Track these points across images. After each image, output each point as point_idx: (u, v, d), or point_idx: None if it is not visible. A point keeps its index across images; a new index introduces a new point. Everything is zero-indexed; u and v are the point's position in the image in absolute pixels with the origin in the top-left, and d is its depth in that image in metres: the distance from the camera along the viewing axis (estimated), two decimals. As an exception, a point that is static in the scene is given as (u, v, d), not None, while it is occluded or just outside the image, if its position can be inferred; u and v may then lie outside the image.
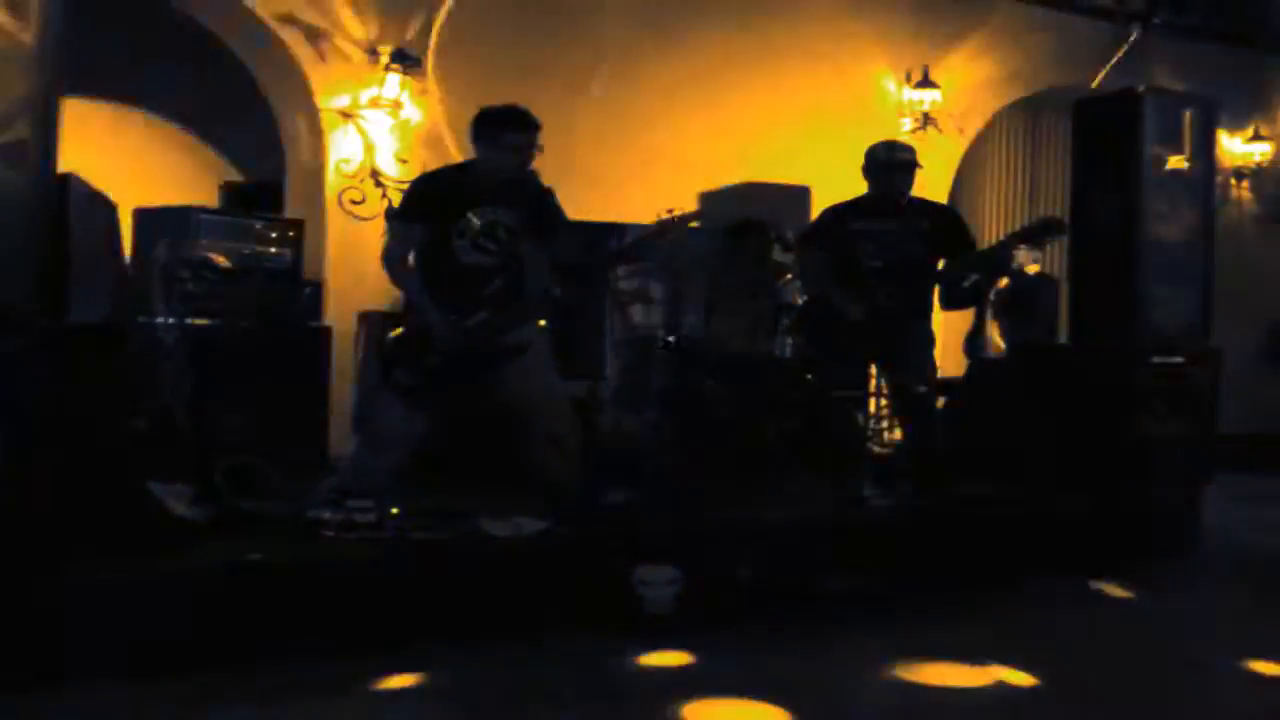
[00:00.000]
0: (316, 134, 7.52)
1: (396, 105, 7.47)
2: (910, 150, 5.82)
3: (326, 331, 6.47)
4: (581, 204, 5.87)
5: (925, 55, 9.17)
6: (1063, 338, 7.94)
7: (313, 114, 7.48)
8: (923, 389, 5.94)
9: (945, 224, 5.91)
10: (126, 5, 7.81)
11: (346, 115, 7.45)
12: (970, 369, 7.81)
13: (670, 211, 5.28)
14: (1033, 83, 9.88)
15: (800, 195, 8.41)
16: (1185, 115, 6.85)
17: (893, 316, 5.66)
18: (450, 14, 7.68)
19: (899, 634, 4.71)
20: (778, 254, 7.33)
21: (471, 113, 5.03)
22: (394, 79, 7.40)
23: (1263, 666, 4.34)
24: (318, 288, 6.57)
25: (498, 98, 5.08)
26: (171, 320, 5.62)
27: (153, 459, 4.81)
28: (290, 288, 6.38)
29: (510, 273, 5.02)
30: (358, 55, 7.45)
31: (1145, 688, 4.12)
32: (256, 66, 7.84)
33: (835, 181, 7.93)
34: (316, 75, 7.39)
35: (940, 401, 6.47)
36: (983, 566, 5.52)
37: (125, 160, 8.68)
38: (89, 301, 4.78)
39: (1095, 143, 6.91)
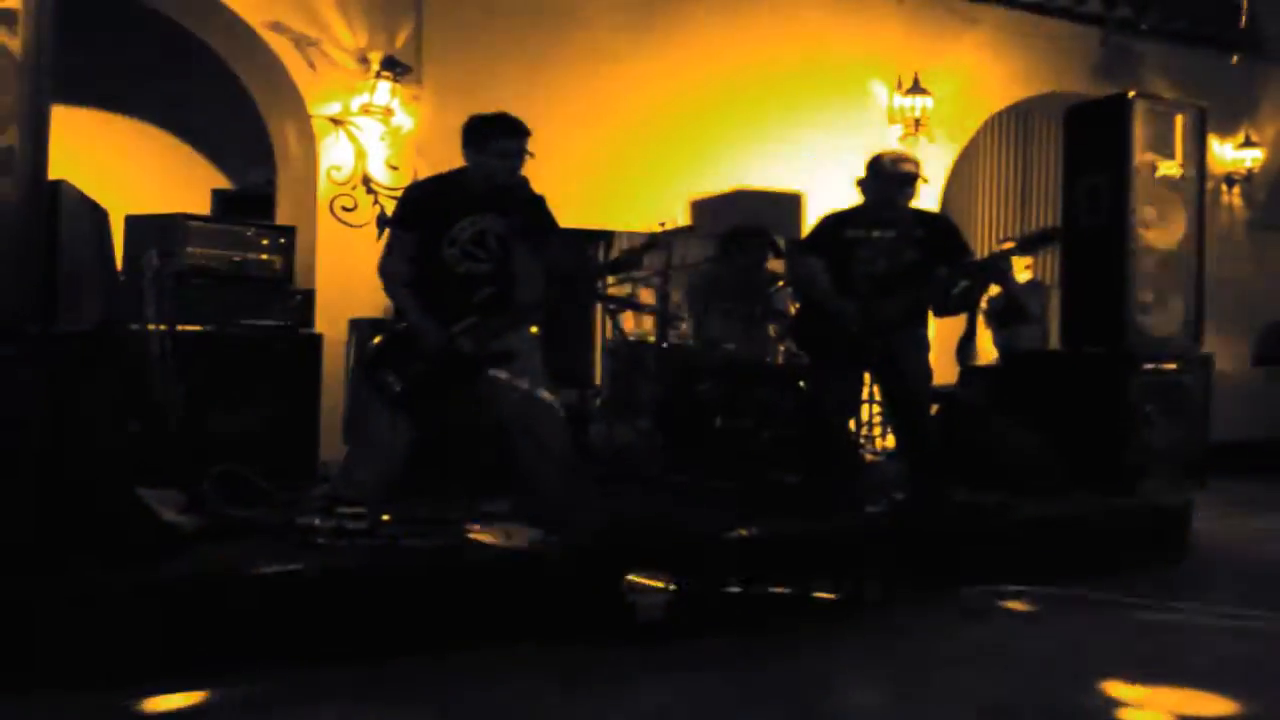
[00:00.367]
0: (307, 141, 7.50)
1: (387, 112, 7.46)
2: (916, 163, 5.80)
3: (317, 339, 6.45)
4: (572, 211, 5.88)
5: (916, 62, 9.18)
6: (1053, 345, 7.97)
7: (303, 121, 7.46)
8: (918, 396, 5.94)
9: (940, 232, 5.91)
10: (116, 13, 7.79)
11: (337, 122, 7.43)
12: (962, 376, 7.82)
13: (663, 224, 5.29)
14: (1023, 89, 9.88)
15: (791, 202, 8.43)
16: (1176, 121, 6.87)
17: (890, 324, 5.65)
18: (440, 21, 7.68)
19: (894, 642, 4.71)
20: (770, 260, 7.35)
21: (462, 119, 5.03)
22: (385, 86, 7.39)
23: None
24: (309, 295, 6.55)
25: (488, 105, 5.08)
26: (162, 327, 5.60)
27: (143, 465, 4.80)
28: (281, 295, 6.36)
29: (501, 280, 5.02)
30: (348, 62, 7.44)
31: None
32: (247, 74, 7.82)
33: (827, 188, 7.98)
34: (307, 82, 7.37)
35: (933, 408, 6.46)
36: (975, 574, 5.51)
37: (116, 167, 8.67)
38: (80, 308, 4.76)
39: (1086, 148, 6.94)
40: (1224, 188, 10.97)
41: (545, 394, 5.11)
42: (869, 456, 7.65)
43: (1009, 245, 6.67)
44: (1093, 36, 10.08)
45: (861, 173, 5.86)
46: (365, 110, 7.43)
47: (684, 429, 6.77)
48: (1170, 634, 5.03)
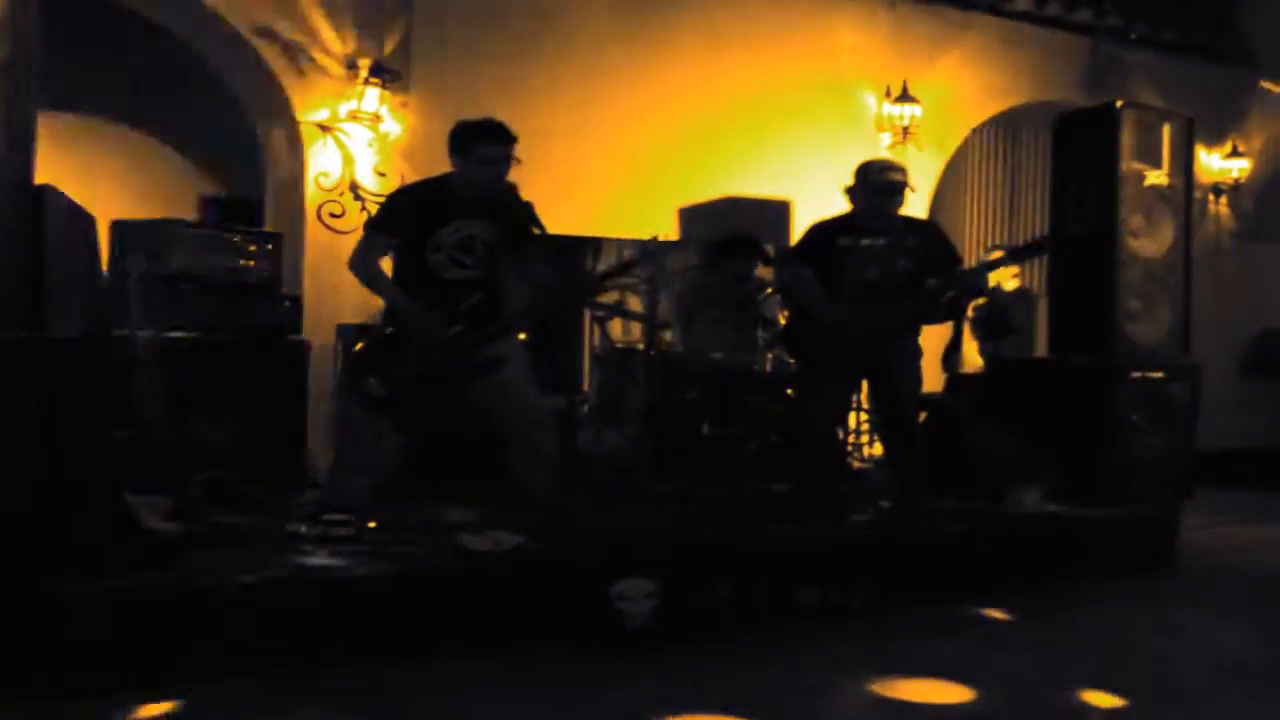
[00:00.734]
0: (295, 147, 7.50)
1: (375, 119, 7.45)
2: (903, 172, 5.79)
3: (304, 345, 6.44)
4: (560, 218, 5.88)
5: (905, 70, 9.19)
6: (1038, 353, 7.97)
7: (291, 127, 7.46)
8: (907, 406, 5.95)
9: (931, 240, 5.91)
10: (103, 19, 7.77)
11: (325, 129, 7.42)
12: (948, 384, 7.83)
13: (654, 237, 5.29)
14: (1011, 98, 9.91)
15: (780, 210, 8.43)
16: (1164, 131, 6.89)
17: (882, 332, 5.66)
18: (429, 28, 7.67)
19: (878, 650, 4.71)
20: (758, 268, 7.35)
21: (450, 127, 5.02)
22: (373, 93, 7.38)
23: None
24: (296, 301, 6.53)
25: (477, 112, 5.07)
26: (149, 333, 5.59)
27: (130, 472, 4.78)
28: (268, 301, 6.35)
29: (488, 286, 5.01)
30: (337, 69, 7.43)
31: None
32: (235, 80, 7.81)
33: (815, 196, 7.99)
34: (295, 89, 7.37)
35: (920, 416, 6.47)
36: (962, 582, 5.52)
37: (103, 173, 8.64)
38: (66, 315, 4.74)
39: (1074, 158, 6.95)
40: (1211, 198, 11.00)
41: (535, 400, 5.11)
42: (856, 464, 7.65)
43: (998, 255, 6.68)
44: (1082, 46, 10.10)
45: (849, 181, 5.86)
46: (353, 117, 7.43)
47: (672, 436, 6.76)
48: (1154, 641, 5.03)
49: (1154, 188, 6.82)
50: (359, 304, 6.46)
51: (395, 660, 4.20)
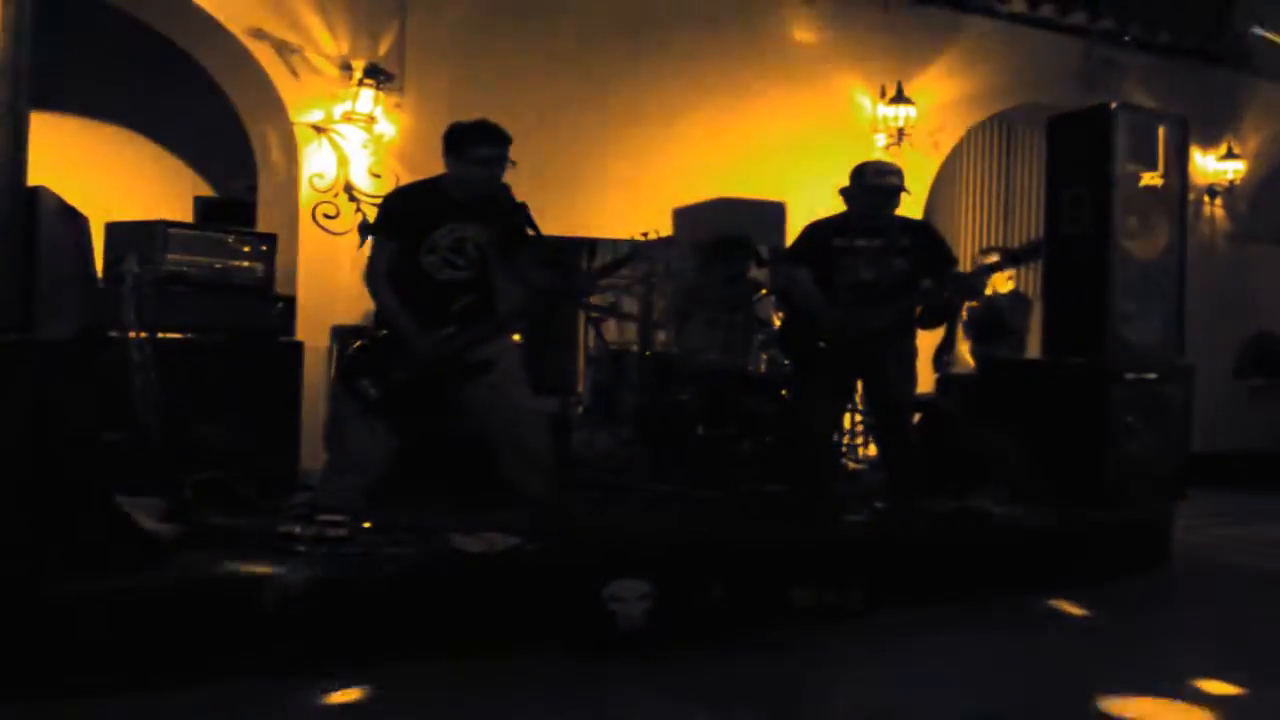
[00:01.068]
0: (289, 148, 7.49)
1: (370, 120, 7.44)
2: (899, 174, 5.79)
3: (298, 346, 6.42)
4: (555, 219, 5.87)
5: (899, 71, 9.20)
6: (1029, 355, 7.98)
7: (286, 128, 7.45)
8: (902, 407, 5.95)
9: (926, 241, 5.91)
10: (98, 19, 7.77)
11: (319, 130, 7.42)
12: (942, 384, 7.83)
13: (645, 234, 5.28)
14: (1006, 99, 9.91)
15: (775, 211, 8.43)
16: (1158, 132, 6.89)
17: (879, 333, 5.66)
18: (423, 29, 7.67)
19: (873, 651, 4.71)
20: (753, 270, 7.35)
21: (445, 127, 5.02)
22: (367, 93, 7.37)
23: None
24: (290, 302, 6.52)
25: (471, 113, 5.06)
26: (143, 335, 5.57)
27: (124, 474, 4.77)
28: (262, 302, 6.34)
29: (480, 288, 5.00)
30: (331, 70, 7.42)
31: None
32: (230, 81, 7.80)
33: (810, 197, 7.98)
34: (290, 90, 7.36)
35: (914, 417, 6.47)
36: (956, 584, 5.52)
37: (97, 174, 8.63)
38: (59, 316, 4.73)
39: (1068, 159, 6.95)
40: (1206, 199, 11.01)
41: (529, 402, 5.10)
42: (851, 465, 7.65)
43: (994, 259, 6.69)
44: (1076, 47, 10.11)
45: (844, 182, 5.86)
46: (348, 118, 7.42)
47: (666, 437, 6.77)
48: (1151, 643, 5.04)
49: (1149, 189, 6.82)
50: (352, 305, 6.46)
51: (388, 661, 4.19)
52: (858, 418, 7.67)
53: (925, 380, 7.75)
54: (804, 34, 9.00)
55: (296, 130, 7.40)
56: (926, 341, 7.74)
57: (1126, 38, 10.28)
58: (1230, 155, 11.01)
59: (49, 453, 4.06)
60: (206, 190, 9.56)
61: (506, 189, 5.00)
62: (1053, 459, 6.39)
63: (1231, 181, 11.07)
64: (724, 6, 8.71)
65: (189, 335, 5.99)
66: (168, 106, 9.17)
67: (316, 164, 7.43)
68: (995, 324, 7.79)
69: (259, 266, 6.37)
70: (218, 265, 6.20)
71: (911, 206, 8.50)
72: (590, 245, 7.56)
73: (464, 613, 4.44)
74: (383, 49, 7.54)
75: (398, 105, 7.58)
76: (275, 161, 7.79)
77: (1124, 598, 5.78)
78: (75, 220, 5.23)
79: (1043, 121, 7.37)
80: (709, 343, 7.02)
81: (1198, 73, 10.74)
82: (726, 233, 7.45)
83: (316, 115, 7.42)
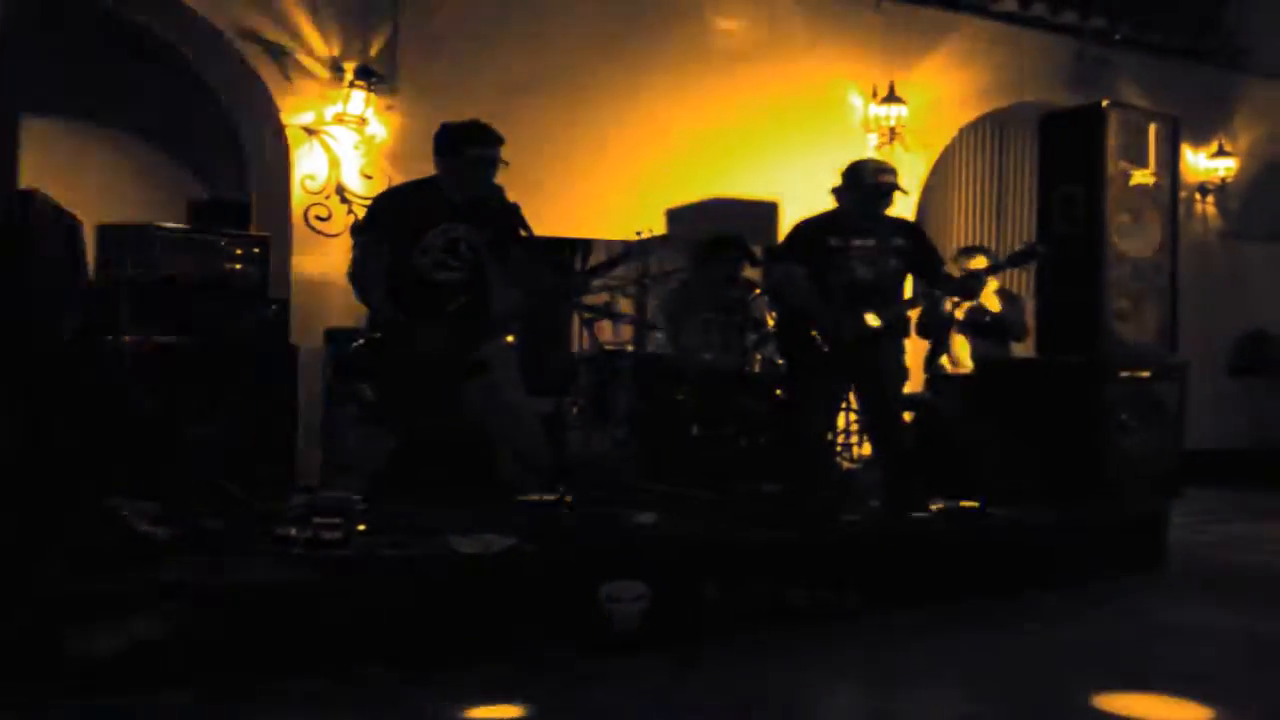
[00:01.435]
0: (281, 151, 7.48)
1: (362, 121, 7.43)
2: (895, 173, 5.81)
3: (292, 349, 6.42)
4: (548, 219, 5.87)
5: (891, 71, 9.21)
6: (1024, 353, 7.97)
7: (278, 130, 7.44)
8: (894, 400, 5.96)
9: (917, 241, 5.93)
10: (89, 22, 7.75)
11: (311, 132, 7.41)
12: (933, 385, 7.82)
13: (640, 233, 5.27)
14: (998, 98, 9.92)
15: (767, 211, 8.43)
16: (1150, 131, 6.89)
17: (876, 334, 5.67)
18: (415, 30, 7.66)
19: (870, 650, 4.71)
20: (747, 269, 7.35)
21: (437, 128, 5.01)
22: (359, 95, 7.36)
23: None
24: (284, 305, 6.52)
25: (463, 113, 5.07)
26: (136, 337, 5.57)
27: (118, 476, 4.77)
28: (256, 305, 6.33)
29: (475, 289, 5.00)
30: (322, 72, 7.42)
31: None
32: (221, 83, 7.79)
33: (802, 197, 7.98)
34: (281, 92, 7.35)
35: (907, 416, 6.47)
36: (953, 582, 5.52)
37: (90, 177, 8.61)
38: (52, 318, 4.73)
39: (1061, 158, 6.95)
40: (1198, 197, 11.03)
41: (524, 403, 5.10)
42: (846, 465, 7.65)
43: (983, 263, 6.71)
44: (1068, 46, 10.13)
45: (836, 181, 5.86)
46: (339, 119, 7.41)
47: (661, 438, 6.76)
48: (1145, 641, 5.04)
49: (1140, 187, 6.82)
50: (346, 307, 6.44)
51: (384, 663, 4.18)
52: (852, 417, 7.66)
53: (916, 379, 7.77)
54: (795, 33, 9.00)
55: (288, 132, 7.39)
56: (921, 344, 7.77)
57: (1118, 36, 10.30)
58: (1221, 153, 11.03)
59: (43, 455, 4.06)
60: (200, 193, 9.55)
61: (499, 189, 5.01)
62: (1047, 457, 6.38)
63: (1223, 179, 11.09)
64: (716, 6, 8.70)
65: (182, 338, 5.98)
66: (160, 109, 9.15)
67: (308, 166, 7.42)
68: (994, 324, 7.78)
69: (252, 269, 6.38)
70: (211, 268, 6.20)
71: (904, 206, 8.52)
72: (584, 245, 7.56)
73: (459, 613, 4.43)
74: (374, 50, 7.53)
75: (389, 106, 7.57)
76: (267, 164, 7.78)
77: (1120, 595, 5.78)
78: (68, 223, 5.24)
79: (1035, 120, 7.38)
80: (703, 343, 7.02)
81: (1189, 71, 10.77)
82: (720, 232, 7.45)
83: (308, 117, 7.41)
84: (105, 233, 6.12)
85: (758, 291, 7.26)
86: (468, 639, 4.38)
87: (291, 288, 7.22)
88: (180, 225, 6.58)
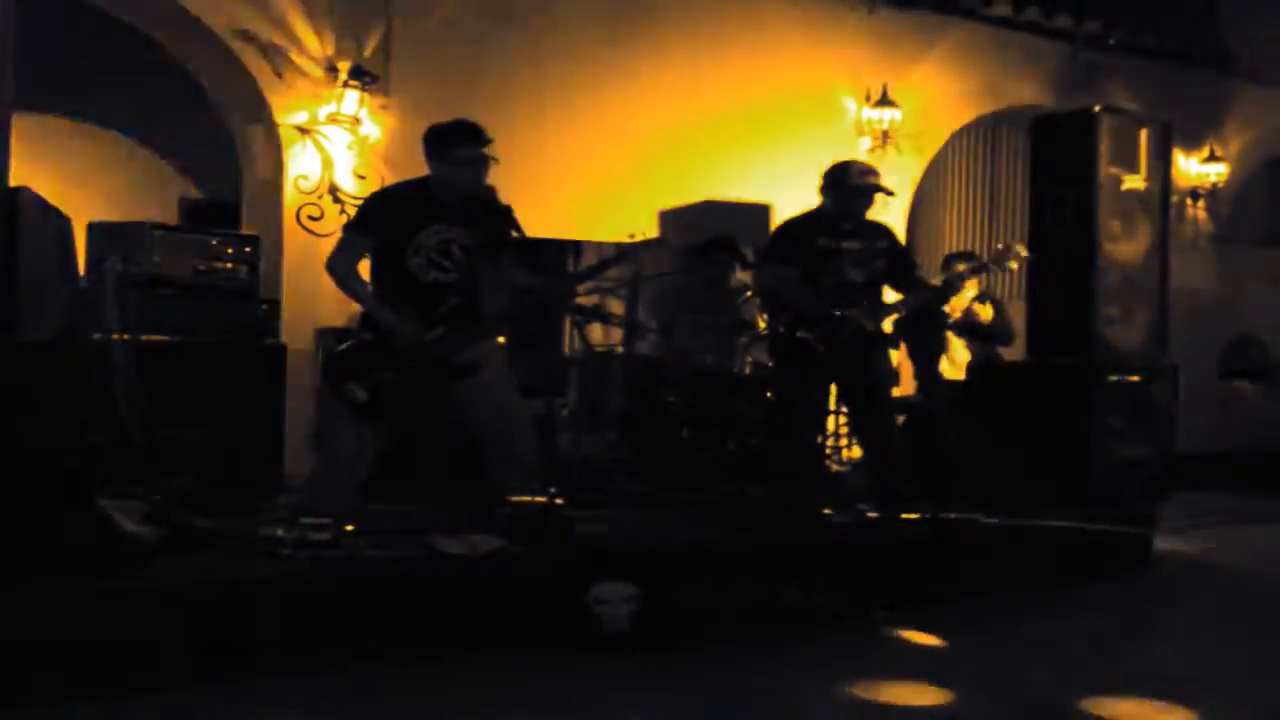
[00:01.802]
0: (274, 150, 7.46)
1: (355, 121, 7.41)
2: (878, 175, 5.84)
3: (282, 349, 6.41)
4: (541, 220, 5.86)
5: (884, 74, 9.21)
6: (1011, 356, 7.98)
7: (270, 130, 7.42)
8: (884, 400, 5.97)
9: (894, 244, 5.98)
10: (81, 20, 7.74)
11: (304, 131, 7.39)
12: (926, 388, 7.82)
13: (631, 236, 5.27)
14: (990, 102, 9.93)
15: (760, 214, 8.44)
16: (1141, 135, 6.92)
17: (871, 335, 5.69)
18: (409, 30, 7.65)
19: (859, 652, 4.71)
20: (738, 272, 7.35)
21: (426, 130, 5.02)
22: (353, 95, 7.34)
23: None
24: (274, 304, 6.51)
25: (457, 115, 5.06)
26: (125, 337, 5.55)
27: (106, 476, 4.76)
28: (246, 305, 6.32)
29: (467, 290, 4.99)
30: (316, 71, 7.40)
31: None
32: (214, 82, 7.77)
33: (794, 200, 7.97)
34: (274, 91, 7.33)
35: (899, 419, 6.48)
36: (942, 584, 5.52)
37: (80, 175, 8.61)
38: (41, 317, 4.72)
39: (1052, 162, 6.98)
40: (1189, 201, 11.04)
41: (515, 404, 5.10)
42: (835, 468, 7.65)
43: (961, 267, 6.74)
44: (1061, 51, 10.14)
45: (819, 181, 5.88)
46: (333, 119, 7.40)
47: (651, 440, 6.77)
48: (1134, 644, 5.05)
49: (1132, 192, 6.85)
50: (337, 308, 6.44)
51: (371, 663, 4.18)
52: (842, 420, 7.67)
53: (905, 382, 7.79)
54: (789, 37, 9.00)
55: (281, 132, 7.37)
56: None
57: (1111, 41, 10.32)
58: (1213, 158, 11.05)
59: (30, 454, 4.04)
60: (191, 191, 9.55)
61: (492, 190, 5.00)
62: (1037, 460, 6.40)
63: (1214, 184, 11.10)
64: (710, 8, 8.70)
65: (172, 337, 5.97)
66: (152, 107, 9.14)
67: (301, 166, 7.41)
68: (982, 328, 7.81)
69: (243, 269, 6.36)
70: (201, 267, 6.19)
71: (896, 210, 8.54)
72: (576, 247, 7.56)
73: (446, 615, 4.43)
74: (368, 50, 7.51)
75: (383, 107, 7.55)
76: (260, 163, 7.76)
77: (1107, 598, 5.79)
78: (57, 221, 5.22)
79: (1027, 124, 7.39)
80: (694, 345, 7.02)
81: (1181, 76, 10.78)
82: (712, 235, 7.45)
83: (301, 117, 7.39)
84: (95, 231, 6.10)
85: (749, 294, 7.26)
86: (455, 640, 4.38)
87: (283, 288, 7.21)
88: (171, 224, 6.57)
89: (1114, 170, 6.75)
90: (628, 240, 5.24)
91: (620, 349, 7.18)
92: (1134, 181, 6.84)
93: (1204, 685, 4.39)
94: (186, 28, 7.27)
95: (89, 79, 8.85)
